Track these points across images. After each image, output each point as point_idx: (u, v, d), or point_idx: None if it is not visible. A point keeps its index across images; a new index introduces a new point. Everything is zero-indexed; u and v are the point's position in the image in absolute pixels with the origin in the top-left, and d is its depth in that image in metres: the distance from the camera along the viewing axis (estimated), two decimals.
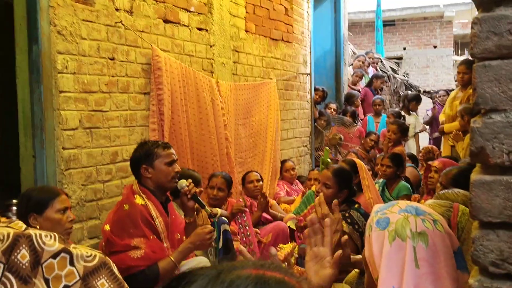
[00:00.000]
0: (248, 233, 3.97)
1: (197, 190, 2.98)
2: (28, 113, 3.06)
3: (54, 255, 1.42)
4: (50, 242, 1.42)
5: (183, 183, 2.95)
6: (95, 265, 1.48)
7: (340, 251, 1.54)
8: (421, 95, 12.88)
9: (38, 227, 2.29)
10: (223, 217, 3.78)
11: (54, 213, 2.46)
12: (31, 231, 1.49)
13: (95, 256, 1.50)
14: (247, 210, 4.14)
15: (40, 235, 1.41)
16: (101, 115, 3.50)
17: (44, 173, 3.08)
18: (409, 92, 9.01)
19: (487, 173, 1.21)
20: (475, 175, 1.22)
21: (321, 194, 2.43)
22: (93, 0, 3.42)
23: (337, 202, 2.05)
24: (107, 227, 2.76)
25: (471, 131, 1.21)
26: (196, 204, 3.01)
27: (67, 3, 3.21)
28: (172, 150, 2.96)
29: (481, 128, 1.19)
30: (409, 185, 4.89)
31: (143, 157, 2.90)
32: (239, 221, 3.99)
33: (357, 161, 4.33)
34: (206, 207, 3.03)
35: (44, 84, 3.06)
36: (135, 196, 2.84)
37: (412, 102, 8.35)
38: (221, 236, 3.67)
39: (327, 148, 6.09)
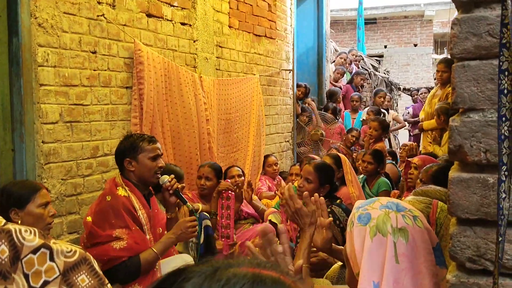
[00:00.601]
0: (228, 223, 3.97)
1: (179, 185, 2.98)
2: (8, 106, 3.01)
3: (34, 251, 1.40)
4: (30, 237, 1.40)
5: (165, 178, 2.94)
6: (76, 261, 1.47)
7: (301, 261, 1.55)
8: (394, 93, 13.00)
9: (19, 222, 2.27)
10: (204, 213, 3.78)
11: (36, 208, 2.43)
12: (11, 226, 1.47)
13: (75, 251, 1.49)
14: (233, 193, 4.12)
15: (20, 230, 1.39)
16: (82, 109, 3.47)
17: (23, 167, 3.04)
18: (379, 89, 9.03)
19: (465, 171, 1.24)
20: (453, 173, 1.25)
21: (290, 186, 2.43)
22: None
23: (307, 194, 2.07)
24: (89, 218, 2.75)
25: (449, 130, 1.24)
26: (178, 200, 3.01)
27: None
28: (158, 145, 2.95)
29: (459, 126, 1.22)
30: (388, 181, 4.95)
31: (127, 150, 2.88)
32: (223, 202, 3.97)
33: (342, 155, 4.37)
34: (188, 203, 3.03)
35: (24, 77, 3.02)
36: (117, 188, 2.83)
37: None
38: (202, 232, 3.67)
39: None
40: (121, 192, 2.81)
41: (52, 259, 1.42)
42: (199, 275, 0.70)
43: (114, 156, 3.05)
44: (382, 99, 8.22)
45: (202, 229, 3.69)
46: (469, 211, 1.22)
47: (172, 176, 3.00)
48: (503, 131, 1.05)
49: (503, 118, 1.04)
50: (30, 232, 1.41)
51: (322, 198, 2.07)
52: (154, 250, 2.77)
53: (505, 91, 1.04)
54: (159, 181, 2.94)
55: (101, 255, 2.61)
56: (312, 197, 2.09)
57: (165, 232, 3.00)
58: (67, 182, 3.36)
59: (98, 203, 2.81)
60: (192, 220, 2.92)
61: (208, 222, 3.72)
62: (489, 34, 1.18)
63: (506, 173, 1.06)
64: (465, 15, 1.21)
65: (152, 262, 2.78)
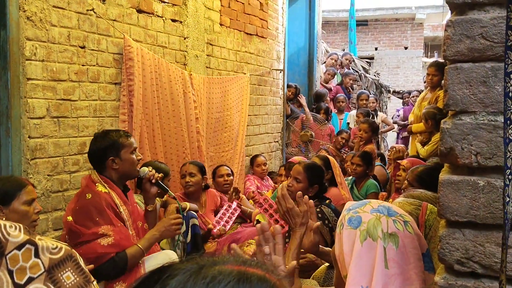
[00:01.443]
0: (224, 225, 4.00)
1: (159, 175, 2.99)
2: None
3: (19, 247, 1.38)
4: (15, 233, 1.38)
5: (145, 170, 2.96)
6: (61, 258, 1.45)
7: (295, 262, 1.54)
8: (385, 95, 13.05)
9: (4, 219, 2.23)
10: (192, 211, 3.76)
11: (21, 205, 2.39)
12: None
13: (61, 248, 1.46)
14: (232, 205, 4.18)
15: (5, 225, 1.37)
16: (70, 104, 3.43)
17: (9, 162, 3.00)
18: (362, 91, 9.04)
19: (455, 173, 1.23)
20: (444, 175, 1.25)
21: (283, 186, 2.42)
22: None
23: (300, 194, 2.06)
24: (70, 218, 2.70)
25: (441, 132, 1.23)
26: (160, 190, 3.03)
27: None
28: (133, 139, 2.95)
29: (450, 128, 1.21)
30: (377, 183, 4.97)
31: (109, 148, 2.84)
32: (228, 209, 4.02)
33: (331, 158, 4.40)
34: (169, 191, 3.06)
35: (11, 70, 2.97)
36: (96, 184, 2.80)
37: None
38: (190, 231, 3.65)
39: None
40: (100, 188, 2.78)
41: (37, 255, 1.39)
42: (184, 272, 0.69)
43: (88, 155, 2.96)
44: (364, 101, 8.26)
45: (190, 228, 3.67)
46: (458, 214, 1.21)
47: (151, 167, 3.01)
48: (508, 134, 1.04)
49: (508, 122, 1.03)
50: (15, 228, 1.38)
51: (311, 201, 2.06)
52: (139, 246, 2.76)
53: (511, 94, 1.03)
54: (139, 173, 2.94)
55: (88, 253, 2.58)
56: (305, 196, 2.08)
57: (145, 225, 3.00)
58: (53, 178, 3.32)
59: (77, 201, 2.77)
60: (177, 217, 2.92)
61: (196, 221, 3.71)
62: (483, 36, 1.18)
63: (510, 176, 1.05)
64: (459, 17, 1.20)
65: (138, 258, 2.77)
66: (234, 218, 4.11)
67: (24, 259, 1.36)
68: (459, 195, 1.21)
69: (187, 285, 0.67)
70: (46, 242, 1.42)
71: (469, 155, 1.20)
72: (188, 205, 3.81)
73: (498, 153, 1.18)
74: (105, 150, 2.84)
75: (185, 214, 3.74)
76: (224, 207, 4.18)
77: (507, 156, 1.03)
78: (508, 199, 1.03)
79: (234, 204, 4.23)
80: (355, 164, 4.94)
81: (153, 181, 2.95)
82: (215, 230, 3.91)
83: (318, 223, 2.11)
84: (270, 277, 0.71)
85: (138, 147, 3.52)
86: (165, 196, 3.88)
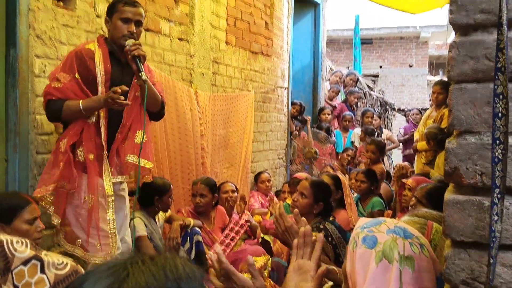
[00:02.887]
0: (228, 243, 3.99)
1: (141, 53, 2.90)
2: (3, 117, 3.00)
3: (25, 262, 1.39)
4: (22, 248, 1.39)
5: (130, 42, 2.90)
6: (67, 273, 1.46)
7: (324, 267, 1.53)
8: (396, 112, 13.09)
9: None
10: (196, 228, 3.76)
11: (23, 224, 2.37)
12: (2, 237, 1.46)
13: (66, 264, 1.47)
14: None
15: (12, 241, 1.38)
16: None
17: (16, 177, 3.02)
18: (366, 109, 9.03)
19: (460, 193, 1.24)
20: (449, 195, 1.25)
21: (281, 204, 2.40)
22: (74, 6, 3.40)
23: (297, 212, 2.05)
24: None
25: (446, 151, 1.24)
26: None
27: (48, 7, 3.18)
28: (133, 10, 2.96)
29: (455, 148, 1.22)
30: (382, 201, 4.95)
31: (109, 9, 3.00)
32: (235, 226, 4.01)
33: (342, 177, 4.32)
34: (143, 73, 2.89)
35: (20, 87, 3.01)
36: (90, 43, 3.00)
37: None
38: (193, 247, 3.64)
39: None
40: (88, 46, 2.96)
41: (43, 271, 1.41)
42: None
43: None
44: (369, 119, 8.26)
45: (193, 245, 3.66)
46: (464, 234, 1.21)
47: (135, 42, 2.93)
48: (496, 154, 1.06)
49: (497, 141, 1.05)
50: (22, 243, 1.39)
51: (308, 227, 1.97)
52: (80, 102, 2.84)
53: (499, 115, 1.05)
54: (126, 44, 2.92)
55: (44, 92, 2.90)
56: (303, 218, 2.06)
57: (137, 93, 3.01)
58: None
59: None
60: (117, 93, 2.80)
61: (200, 238, 3.70)
62: (486, 57, 1.20)
63: (499, 195, 1.07)
64: (462, 38, 1.22)
65: (73, 110, 2.85)
66: (240, 234, 4.10)
67: (29, 274, 1.37)
68: (464, 215, 1.22)
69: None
70: (52, 257, 1.43)
71: (474, 175, 1.21)
72: (192, 221, 3.82)
73: None
74: (107, 11, 3.03)
75: (189, 231, 3.74)
76: (232, 224, 4.17)
77: (496, 175, 1.04)
78: (496, 217, 1.04)
79: (242, 220, 4.22)
80: (359, 181, 4.93)
81: (129, 56, 2.89)
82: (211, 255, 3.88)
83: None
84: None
85: None
86: (169, 211, 3.89)
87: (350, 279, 1.45)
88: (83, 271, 1.52)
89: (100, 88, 2.90)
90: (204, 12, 4.87)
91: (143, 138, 2.97)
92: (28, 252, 1.41)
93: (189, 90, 4.57)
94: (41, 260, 1.42)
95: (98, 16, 3.57)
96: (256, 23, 6.06)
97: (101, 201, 2.91)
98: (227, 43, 5.40)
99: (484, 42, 1.20)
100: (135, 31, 2.96)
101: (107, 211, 2.92)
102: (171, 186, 3.83)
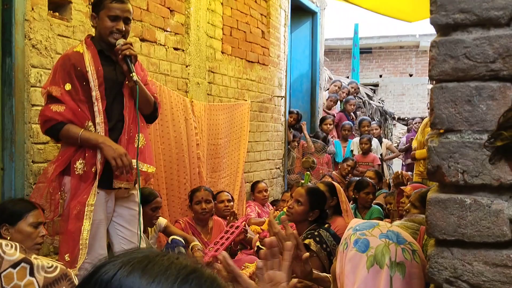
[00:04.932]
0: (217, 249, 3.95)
1: (133, 53, 2.83)
2: None
3: (14, 265, 1.40)
4: (11, 251, 1.40)
5: (121, 41, 2.83)
6: (56, 276, 1.47)
7: (295, 280, 1.52)
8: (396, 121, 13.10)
9: (9, 238, 2.27)
10: (180, 239, 3.63)
11: (27, 226, 2.44)
12: None
13: (56, 267, 1.48)
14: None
15: (1, 244, 1.39)
16: None
17: (12, 186, 3.03)
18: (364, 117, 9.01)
19: (443, 192, 1.25)
20: (432, 193, 1.26)
21: (272, 213, 2.41)
22: (70, 16, 3.43)
23: (285, 218, 2.05)
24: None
25: (428, 150, 1.25)
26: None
27: (43, 17, 3.21)
28: (121, 6, 2.86)
29: (437, 147, 1.23)
30: (380, 209, 4.95)
31: (95, 5, 2.92)
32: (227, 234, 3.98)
33: (336, 184, 4.34)
34: (134, 73, 2.82)
35: (16, 97, 3.03)
36: (77, 46, 2.90)
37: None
38: None
39: (308, 173, 6.11)
40: (76, 49, 2.87)
41: (32, 274, 1.41)
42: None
43: None
44: (366, 128, 8.23)
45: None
46: (446, 232, 1.22)
47: (126, 41, 2.86)
48: None
49: None
50: (11, 246, 1.40)
51: (295, 231, 1.98)
52: (81, 131, 2.76)
53: None
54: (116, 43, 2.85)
55: (41, 114, 2.82)
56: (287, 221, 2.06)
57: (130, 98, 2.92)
58: None
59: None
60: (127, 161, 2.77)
61: (182, 250, 3.62)
62: (466, 57, 1.21)
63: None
64: (443, 38, 1.24)
65: (71, 136, 2.77)
66: (233, 236, 4.00)
67: (18, 277, 1.37)
68: (446, 213, 1.22)
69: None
70: (42, 261, 1.44)
71: (455, 173, 1.22)
72: (195, 240, 3.76)
73: (484, 171, 1.19)
74: (93, 5, 2.95)
75: (169, 242, 3.65)
76: (227, 227, 4.12)
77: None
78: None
79: (239, 222, 4.16)
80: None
81: (120, 56, 2.81)
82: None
83: (307, 254, 2.08)
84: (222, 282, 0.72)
85: None
86: (165, 221, 3.86)
87: (338, 280, 1.45)
88: (72, 274, 1.52)
89: (94, 94, 2.80)
90: (199, 21, 4.90)
91: (139, 142, 2.93)
92: (18, 255, 1.42)
93: (184, 100, 4.59)
94: (30, 263, 1.43)
95: (93, 26, 3.59)
96: (252, 32, 6.09)
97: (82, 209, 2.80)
98: (223, 52, 5.43)
99: (464, 41, 1.22)
100: (124, 29, 2.87)
101: (84, 220, 2.78)
102: (157, 198, 3.65)
